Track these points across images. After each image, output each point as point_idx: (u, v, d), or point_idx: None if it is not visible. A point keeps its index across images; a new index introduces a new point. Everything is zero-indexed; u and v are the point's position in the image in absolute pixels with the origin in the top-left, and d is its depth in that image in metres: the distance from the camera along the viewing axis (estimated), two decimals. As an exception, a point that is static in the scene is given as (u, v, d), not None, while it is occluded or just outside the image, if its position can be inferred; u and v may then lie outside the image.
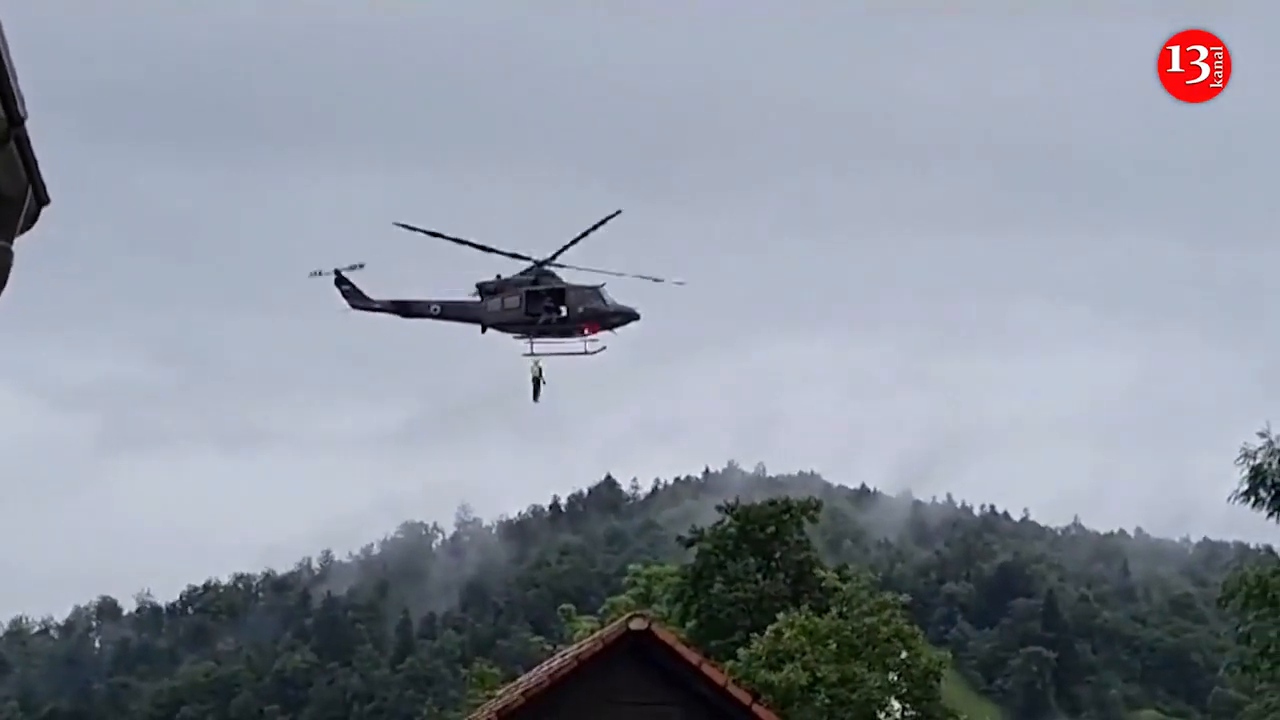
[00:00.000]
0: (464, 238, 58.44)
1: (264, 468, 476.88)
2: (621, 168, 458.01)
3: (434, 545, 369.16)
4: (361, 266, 59.47)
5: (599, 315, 59.74)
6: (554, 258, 59.74)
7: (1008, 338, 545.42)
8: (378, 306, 59.96)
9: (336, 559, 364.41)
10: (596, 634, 34.38)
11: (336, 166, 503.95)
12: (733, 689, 30.98)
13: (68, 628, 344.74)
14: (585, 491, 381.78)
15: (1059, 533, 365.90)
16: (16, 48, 11.92)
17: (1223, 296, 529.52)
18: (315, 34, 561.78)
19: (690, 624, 78.93)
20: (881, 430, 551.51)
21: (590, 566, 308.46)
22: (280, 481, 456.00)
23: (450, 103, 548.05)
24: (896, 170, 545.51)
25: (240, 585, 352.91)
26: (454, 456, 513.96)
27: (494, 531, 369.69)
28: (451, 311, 60.32)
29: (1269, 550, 58.73)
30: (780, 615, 67.87)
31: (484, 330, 60.02)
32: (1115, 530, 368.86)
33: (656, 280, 60.04)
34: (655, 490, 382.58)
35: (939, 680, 68.97)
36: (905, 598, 72.01)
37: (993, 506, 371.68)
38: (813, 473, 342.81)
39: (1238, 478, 44.75)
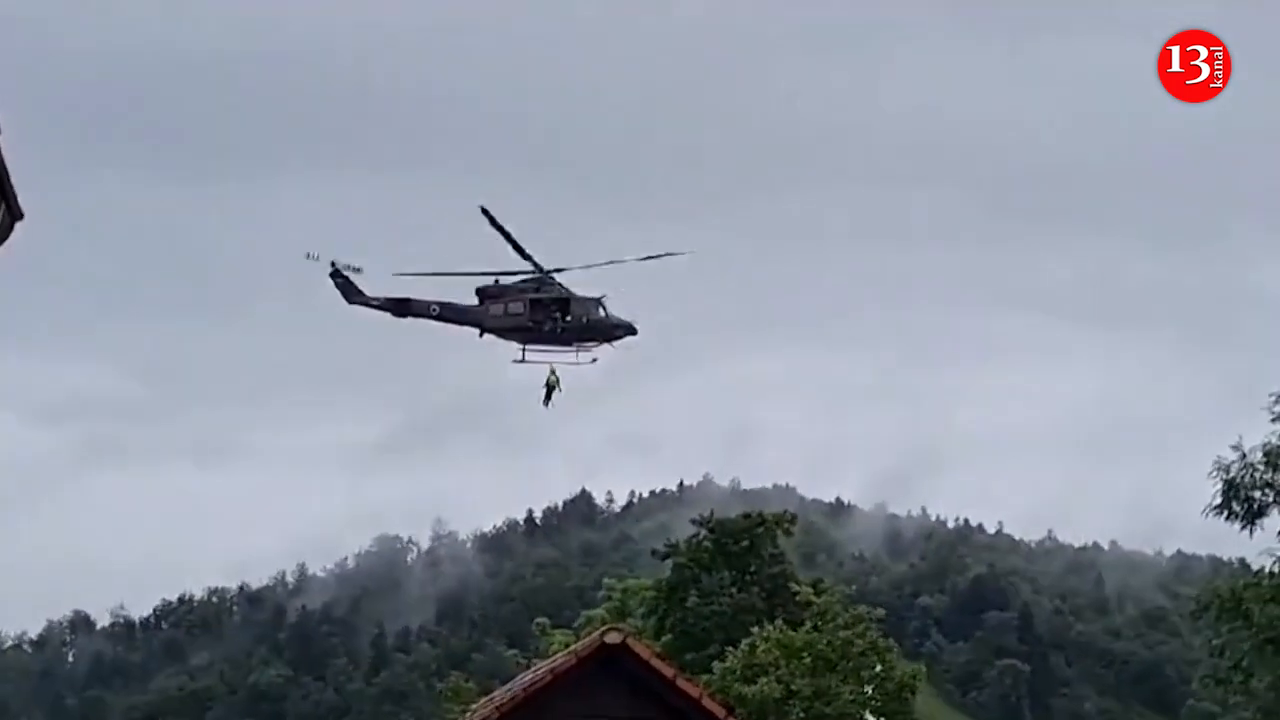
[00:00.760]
0: (522, 246, 58.11)
1: (238, 481, 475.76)
2: (598, 181, 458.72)
3: (409, 559, 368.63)
4: (359, 270, 59.07)
5: (601, 327, 59.67)
6: (562, 269, 59.44)
7: (982, 351, 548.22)
8: (376, 303, 59.28)
9: (311, 572, 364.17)
10: (571, 648, 34.39)
11: (312, 179, 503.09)
12: (707, 702, 31.00)
13: (41, 642, 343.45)
14: (560, 505, 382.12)
15: (1033, 546, 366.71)
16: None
17: (1196, 309, 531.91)
18: (289, 45, 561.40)
19: (665, 637, 78.91)
20: (856, 443, 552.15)
21: (565, 580, 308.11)
22: (255, 495, 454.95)
23: (426, 114, 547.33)
24: (872, 185, 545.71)
25: (214, 599, 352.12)
26: (429, 470, 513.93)
27: (469, 545, 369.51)
28: (450, 314, 59.79)
29: (1242, 563, 58.97)
30: (755, 629, 67.82)
31: (481, 335, 59.69)
32: (1089, 543, 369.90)
33: (658, 257, 59.98)
34: (630, 504, 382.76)
35: (913, 693, 68.92)
36: (880, 611, 71.77)
37: (967, 519, 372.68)
38: (788, 486, 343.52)
39: (1211, 491, 44.99)
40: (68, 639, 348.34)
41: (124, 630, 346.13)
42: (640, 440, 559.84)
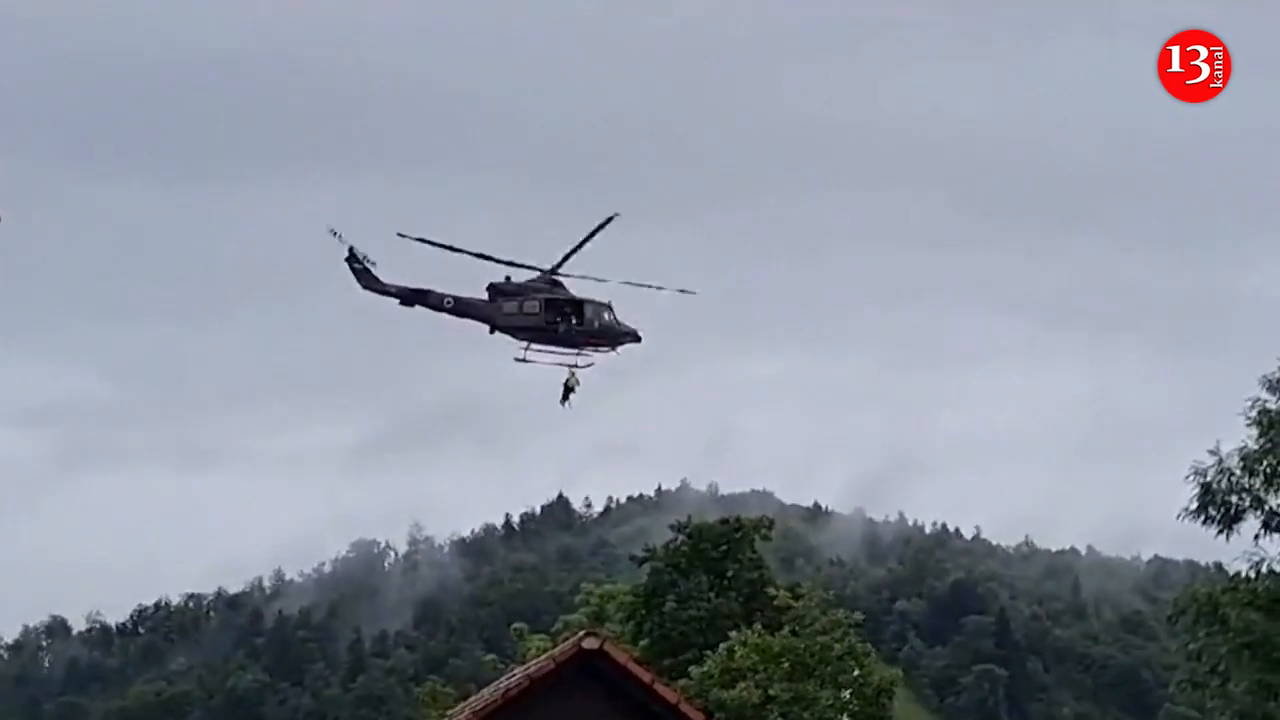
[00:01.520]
0: (462, 247, 57.76)
1: (216, 486, 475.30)
2: (582, 184, 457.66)
3: (387, 563, 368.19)
4: (374, 264, 58.78)
5: (611, 332, 59.55)
6: (558, 267, 59.25)
7: (960, 356, 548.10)
8: (392, 291, 58.75)
9: (289, 577, 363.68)
10: (548, 653, 34.33)
11: (296, 182, 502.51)
12: (685, 708, 31.00)
13: (17, 647, 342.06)
14: (538, 510, 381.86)
15: (1011, 551, 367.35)
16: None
17: (1174, 313, 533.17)
18: (275, 48, 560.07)
19: (643, 642, 78.80)
20: (835, 448, 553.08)
21: (543, 585, 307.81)
22: (233, 500, 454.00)
23: (419, 115, 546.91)
24: (851, 189, 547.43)
25: (192, 604, 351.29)
26: (407, 474, 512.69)
27: (446, 550, 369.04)
28: (463, 308, 59.45)
29: (1219, 568, 58.96)
30: (733, 634, 67.81)
31: (492, 331, 59.40)
32: (1067, 548, 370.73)
33: (659, 288, 59.91)
34: (608, 508, 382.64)
35: (891, 698, 68.96)
36: (858, 616, 71.78)
37: (945, 524, 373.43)
38: (766, 491, 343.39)
39: (1188, 495, 45.06)
40: (44, 644, 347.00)
41: (101, 635, 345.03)
42: (619, 445, 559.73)
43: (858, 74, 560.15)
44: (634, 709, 30.30)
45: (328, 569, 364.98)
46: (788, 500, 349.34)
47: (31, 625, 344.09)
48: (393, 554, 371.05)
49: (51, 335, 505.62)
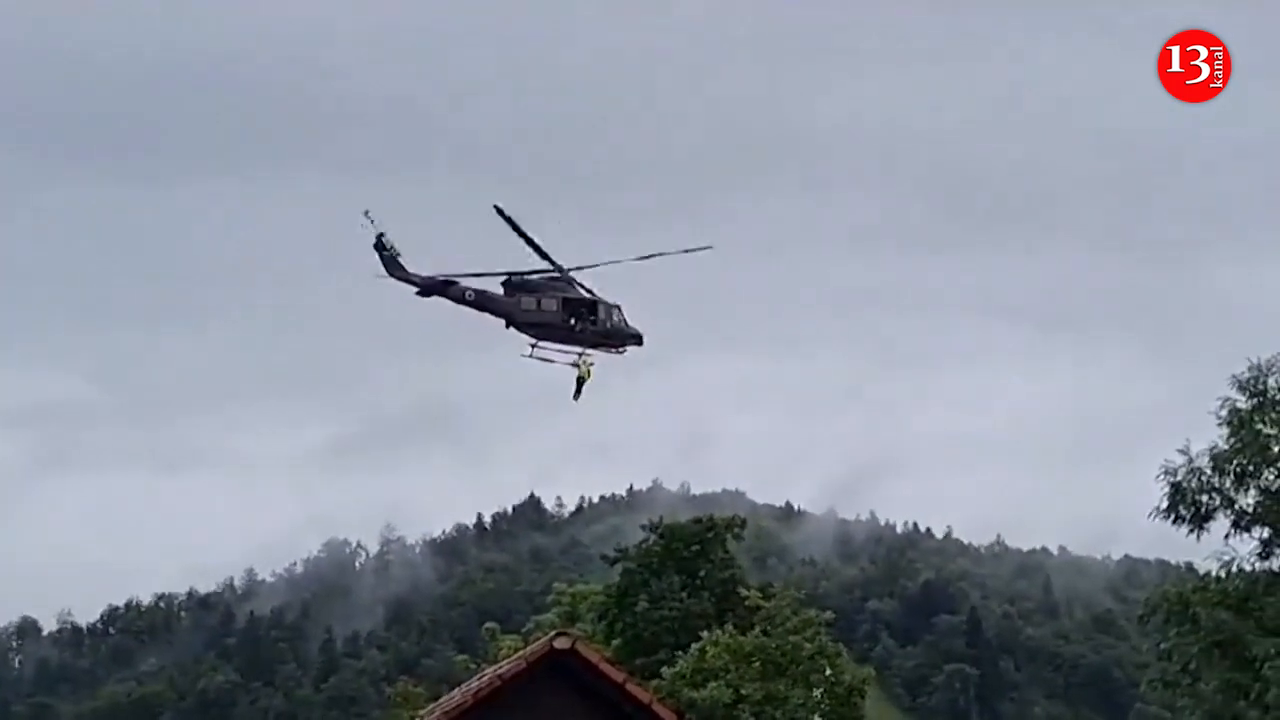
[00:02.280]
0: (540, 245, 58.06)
1: (187, 486, 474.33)
2: (558, 188, 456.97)
3: (358, 563, 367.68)
4: (400, 253, 58.93)
5: (620, 334, 59.64)
6: (585, 268, 59.36)
7: (932, 357, 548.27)
8: (418, 280, 58.89)
9: (260, 577, 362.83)
10: (521, 653, 34.29)
11: (274, 185, 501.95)
12: (657, 707, 30.97)
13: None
14: (510, 510, 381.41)
15: (982, 550, 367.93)
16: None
17: (1144, 315, 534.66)
18: (247, 48, 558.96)
19: (615, 642, 78.83)
20: (807, 449, 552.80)
21: (515, 585, 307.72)
22: (204, 500, 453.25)
23: (418, 115, 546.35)
24: (825, 191, 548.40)
25: (162, 605, 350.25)
26: (379, 474, 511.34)
27: (418, 550, 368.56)
28: (484, 302, 59.48)
29: (1189, 567, 59.18)
30: (705, 633, 67.88)
31: (508, 326, 59.40)
32: (1038, 547, 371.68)
33: (687, 251, 59.94)
34: (580, 508, 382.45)
35: (862, 697, 69.10)
36: (829, 615, 71.90)
37: (916, 524, 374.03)
38: (738, 491, 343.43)
39: (1159, 495, 45.17)
40: (14, 644, 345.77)
41: (71, 636, 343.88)
42: (591, 445, 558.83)
43: (848, 77, 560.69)
44: (606, 709, 30.28)
45: (299, 569, 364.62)
46: (760, 500, 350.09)
47: (1, 626, 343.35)
48: (364, 554, 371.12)
49: (23, 338, 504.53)
